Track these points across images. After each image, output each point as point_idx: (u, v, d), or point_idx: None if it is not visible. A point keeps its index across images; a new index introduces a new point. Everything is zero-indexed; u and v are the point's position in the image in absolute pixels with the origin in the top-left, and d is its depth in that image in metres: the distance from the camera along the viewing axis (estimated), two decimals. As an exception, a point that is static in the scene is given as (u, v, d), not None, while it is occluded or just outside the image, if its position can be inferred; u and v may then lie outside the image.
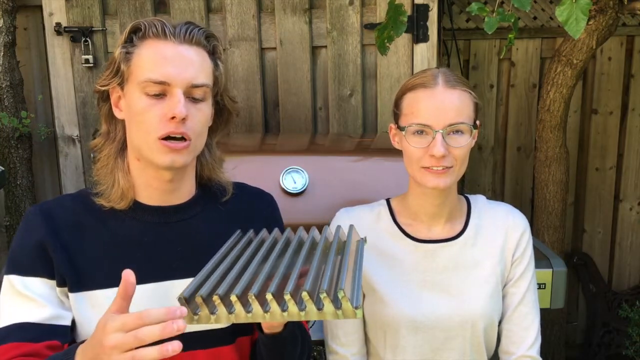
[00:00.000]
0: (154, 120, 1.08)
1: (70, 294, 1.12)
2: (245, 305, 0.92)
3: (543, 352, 1.40)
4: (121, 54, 1.10)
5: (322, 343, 1.56)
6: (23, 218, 1.16)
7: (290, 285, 0.93)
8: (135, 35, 1.11)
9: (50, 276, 1.11)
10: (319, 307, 0.91)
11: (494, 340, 1.38)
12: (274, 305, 0.91)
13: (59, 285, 1.12)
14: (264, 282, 0.96)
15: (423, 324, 1.30)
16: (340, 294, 0.90)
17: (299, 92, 2.59)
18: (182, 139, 1.09)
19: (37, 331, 1.08)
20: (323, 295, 0.90)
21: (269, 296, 0.91)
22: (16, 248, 1.14)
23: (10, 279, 1.12)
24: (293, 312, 0.92)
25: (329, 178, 1.86)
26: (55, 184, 2.82)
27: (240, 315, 0.93)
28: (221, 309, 0.92)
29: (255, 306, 0.92)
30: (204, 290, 0.93)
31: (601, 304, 3.13)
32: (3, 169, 2.24)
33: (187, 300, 0.92)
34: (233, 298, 0.91)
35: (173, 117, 1.07)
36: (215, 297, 0.91)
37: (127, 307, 0.92)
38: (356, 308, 0.91)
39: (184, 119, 1.08)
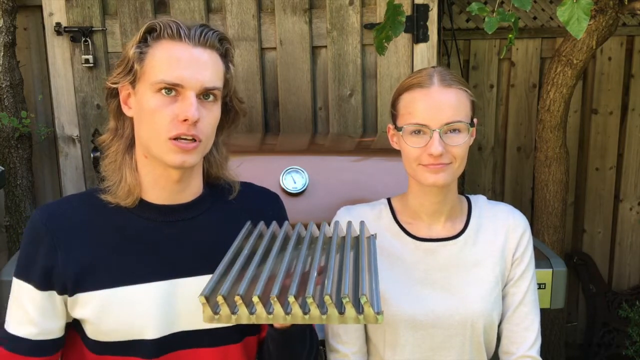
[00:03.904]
0: (165, 121, 1.08)
1: (75, 296, 1.13)
2: (267, 306, 0.92)
3: (543, 352, 1.40)
4: (135, 53, 1.10)
5: (322, 343, 1.56)
6: (28, 225, 1.17)
7: (310, 287, 0.92)
8: (150, 36, 1.11)
9: (48, 287, 1.14)
10: (341, 312, 0.91)
11: (493, 340, 1.38)
12: (295, 308, 0.91)
13: (60, 293, 1.14)
14: (283, 281, 0.95)
15: (423, 322, 1.30)
16: (363, 299, 0.90)
17: (299, 92, 2.59)
18: (193, 139, 1.10)
19: (26, 345, 1.15)
20: (345, 300, 0.90)
21: (291, 298, 0.90)
22: (21, 255, 1.16)
23: (15, 283, 1.16)
24: (315, 315, 0.91)
25: (329, 178, 1.86)
26: (55, 184, 2.83)
27: (262, 316, 0.92)
28: (242, 309, 0.92)
29: (277, 308, 0.91)
30: (224, 289, 0.93)
31: (601, 304, 3.13)
32: (3, 169, 2.24)
33: (207, 299, 0.92)
34: (255, 299, 0.90)
35: (185, 120, 1.08)
36: (237, 298, 0.91)
37: None
38: (378, 313, 0.91)
39: (195, 122, 1.08)
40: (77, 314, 1.15)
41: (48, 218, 1.15)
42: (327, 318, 0.91)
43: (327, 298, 0.90)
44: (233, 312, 0.92)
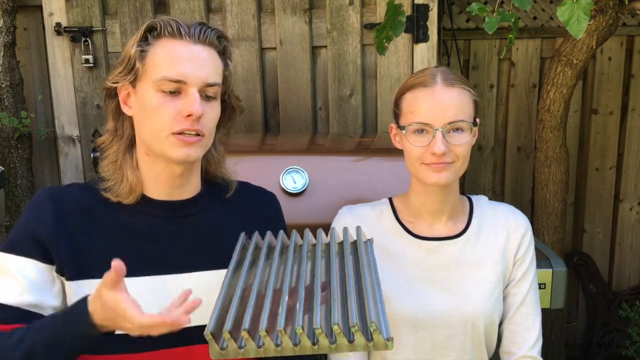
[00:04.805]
0: (169, 117, 1.10)
1: (71, 282, 1.13)
2: (274, 337, 0.90)
3: (543, 352, 1.40)
4: (136, 52, 1.12)
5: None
6: (32, 200, 1.17)
7: (317, 311, 0.91)
8: (151, 34, 1.13)
9: (47, 261, 1.12)
10: (350, 340, 0.90)
11: (494, 340, 1.38)
12: (304, 340, 0.90)
13: (58, 272, 1.13)
14: (287, 302, 0.94)
15: (424, 321, 1.30)
16: (372, 327, 0.89)
17: (299, 92, 2.59)
18: (196, 134, 1.12)
19: (12, 313, 1.09)
20: (355, 329, 0.89)
21: (299, 330, 0.89)
22: (18, 229, 1.14)
23: (3, 256, 1.12)
24: (324, 346, 0.90)
25: (329, 178, 1.85)
26: (55, 184, 2.82)
27: (270, 349, 0.91)
28: (250, 344, 0.91)
29: (285, 340, 0.90)
30: (229, 324, 0.91)
31: (601, 304, 3.13)
32: (3, 169, 2.24)
33: (213, 335, 0.90)
34: (262, 333, 0.89)
35: (189, 115, 1.09)
36: (244, 333, 0.89)
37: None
38: (387, 340, 0.89)
39: (199, 117, 1.10)
40: (68, 302, 1.14)
41: (53, 196, 1.16)
42: (336, 347, 0.90)
43: (335, 328, 0.89)
44: (240, 347, 0.91)
